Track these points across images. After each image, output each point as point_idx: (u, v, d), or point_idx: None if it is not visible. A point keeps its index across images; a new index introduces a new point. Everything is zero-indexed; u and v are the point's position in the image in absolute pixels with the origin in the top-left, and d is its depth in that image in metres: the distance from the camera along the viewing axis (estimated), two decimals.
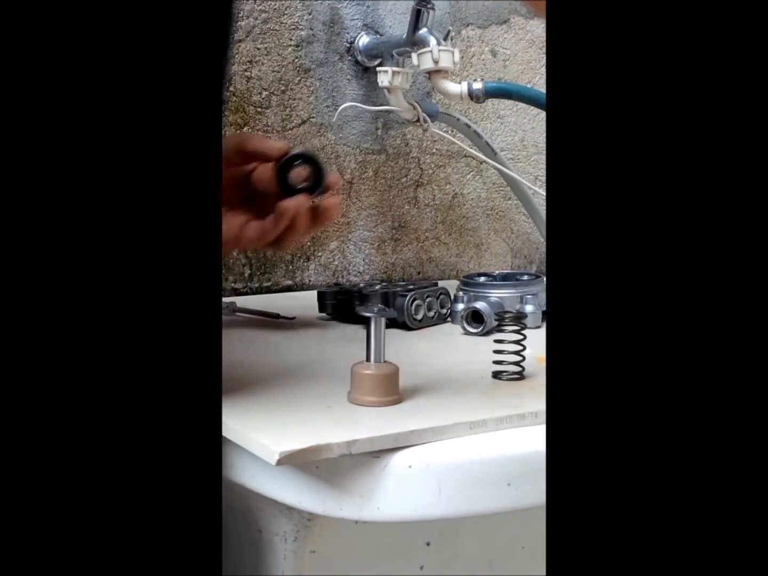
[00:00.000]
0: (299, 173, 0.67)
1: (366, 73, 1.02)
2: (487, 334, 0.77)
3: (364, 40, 1.01)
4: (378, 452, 0.50)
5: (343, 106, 0.94)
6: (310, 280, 1.02)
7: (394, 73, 0.89)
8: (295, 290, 1.01)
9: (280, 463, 0.47)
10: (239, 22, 0.94)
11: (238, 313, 0.84)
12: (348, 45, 1.01)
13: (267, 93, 0.97)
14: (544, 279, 0.84)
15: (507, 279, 0.87)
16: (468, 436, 0.52)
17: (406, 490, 0.50)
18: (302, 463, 0.50)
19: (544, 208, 1.06)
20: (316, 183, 0.67)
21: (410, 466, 0.50)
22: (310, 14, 0.99)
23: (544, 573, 0.44)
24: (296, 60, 0.99)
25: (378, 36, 1.01)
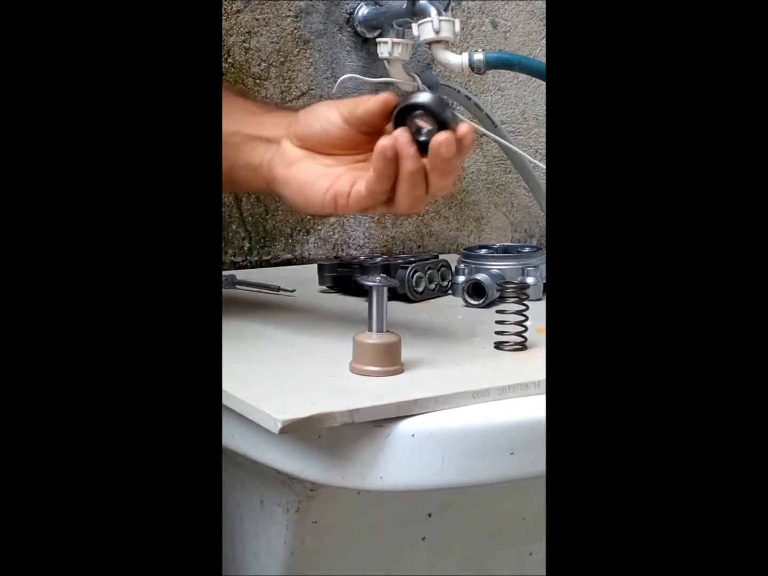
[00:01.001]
0: (421, 124, 0.58)
1: (366, 44, 1.01)
2: (488, 306, 0.77)
3: (363, 10, 1.00)
4: (381, 421, 0.50)
5: (342, 78, 0.93)
6: (309, 254, 1.01)
7: (394, 44, 0.88)
8: (295, 263, 1.00)
9: (283, 431, 0.47)
10: None
11: (238, 286, 0.84)
12: (347, 16, 1.00)
13: (266, 64, 0.96)
14: (545, 251, 0.83)
15: (508, 251, 0.86)
16: (471, 405, 0.52)
17: (409, 459, 0.50)
18: (305, 432, 0.50)
19: (545, 181, 1.05)
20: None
21: (413, 435, 0.50)
22: None
23: (544, 544, 0.44)
24: (295, 31, 0.98)
25: (377, 6, 1.00)
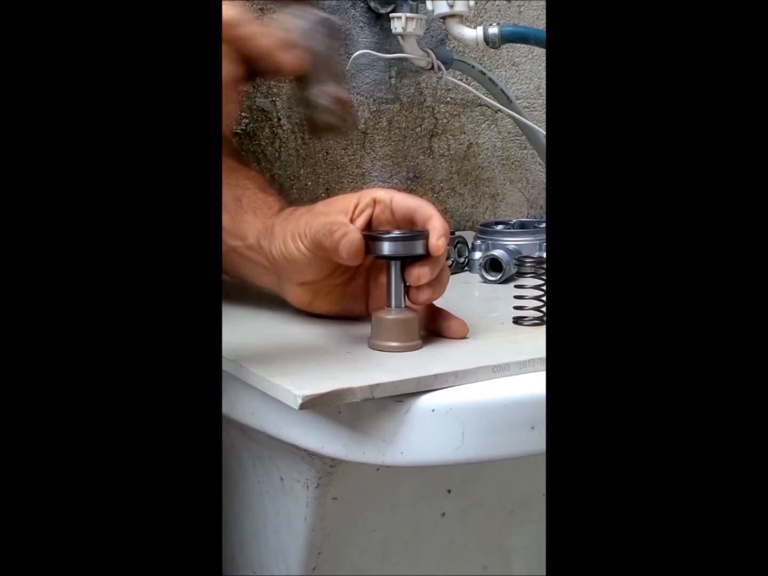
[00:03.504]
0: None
1: (379, 20, 1.00)
2: (505, 282, 0.77)
3: None
4: (400, 396, 0.49)
5: (355, 54, 0.93)
6: None
7: (407, 19, 0.87)
8: None
9: (303, 407, 0.47)
10: None
11: None
12: None
13: None
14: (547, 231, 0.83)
15: (524, 227, 0.86)
16: (491, 379, 0.52)
17: (429, 434, 0.50)
18: (324, 407, 0.49)
19: None
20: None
21: (433, 410, 0.50)
22: None
23: None
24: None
25: None
